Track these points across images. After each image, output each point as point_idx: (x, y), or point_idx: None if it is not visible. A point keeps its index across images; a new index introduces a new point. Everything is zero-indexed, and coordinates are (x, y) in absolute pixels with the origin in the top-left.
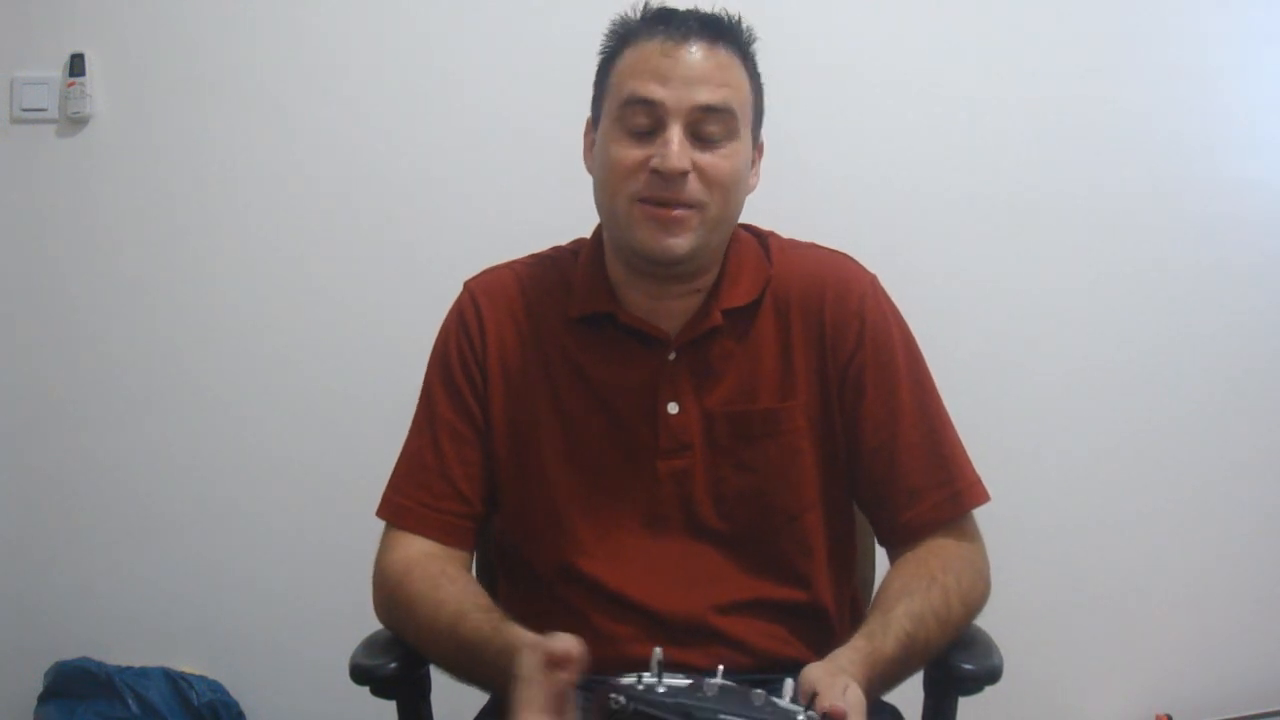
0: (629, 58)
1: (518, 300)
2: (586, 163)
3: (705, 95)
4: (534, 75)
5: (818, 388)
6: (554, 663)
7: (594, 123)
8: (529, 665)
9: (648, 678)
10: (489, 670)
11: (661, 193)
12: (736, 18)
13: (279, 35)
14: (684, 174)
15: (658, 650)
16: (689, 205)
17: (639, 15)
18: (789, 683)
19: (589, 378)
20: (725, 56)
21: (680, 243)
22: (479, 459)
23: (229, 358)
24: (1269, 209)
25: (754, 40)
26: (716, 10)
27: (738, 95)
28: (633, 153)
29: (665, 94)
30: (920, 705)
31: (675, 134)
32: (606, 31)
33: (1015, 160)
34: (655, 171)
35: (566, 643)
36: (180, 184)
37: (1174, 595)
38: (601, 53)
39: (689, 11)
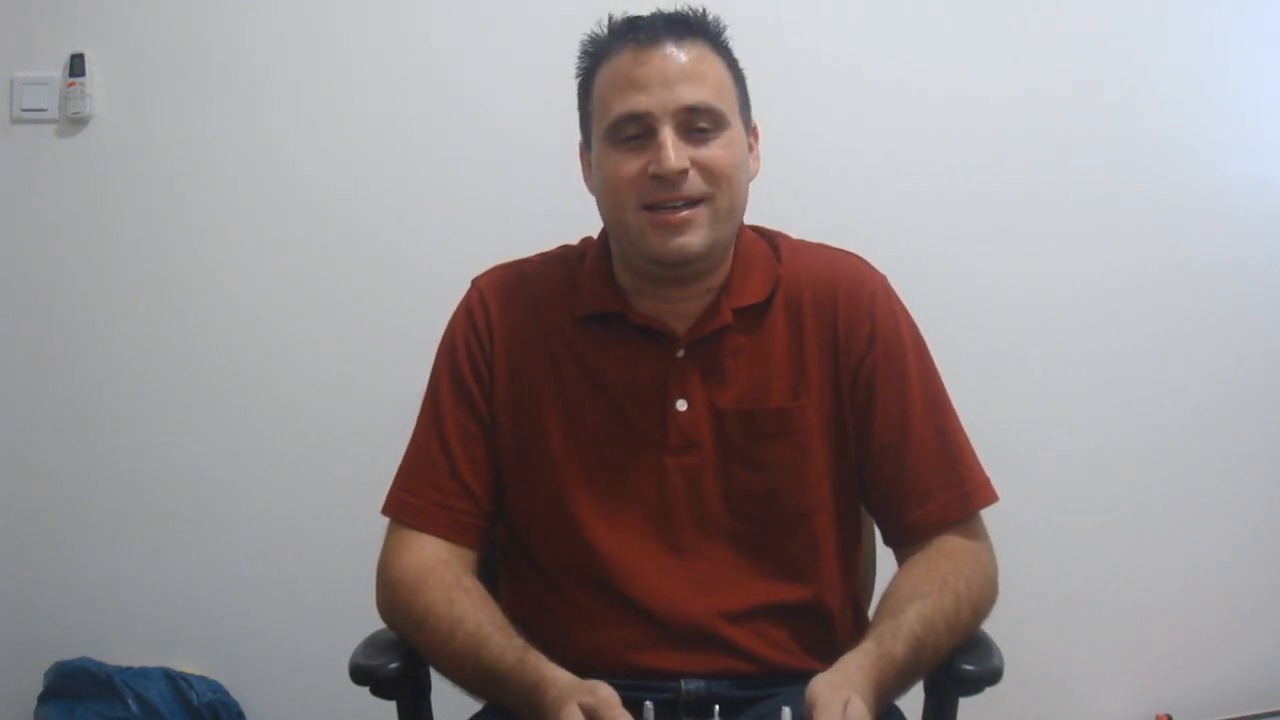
0: (605, 74)
1: (525, 298)
2: (587, 184)
3: (687, 94)
4: (536, 74)
5: (830, 387)
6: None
7: (584, 141)
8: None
9: None
10: (514, 701)
11: (665, 194)
12: (701, 10)
13: (279, 35)
14: (683, 172)
15: (649, 705)
16: (695, 202)
17: (606, 30)
18: (786, 712)
19: (597, 375)
20: (698, 50)
21: (692, 240)
22: (486, 456)
23: (229, 358)
24: (1269, 209)
25: (723, 29)
26: (679, 7)
27: (718, 87)
28: (630, 164)
29: (649, 101)
30: (921, 705)
31: (667, 136)
32: (579, 54)
33: (1017, 160)
34: (655, 176)
35: (606, 696)
36: (180, 184)
37: (1174, 595)
38: (578, 75)
39: (653, 15)
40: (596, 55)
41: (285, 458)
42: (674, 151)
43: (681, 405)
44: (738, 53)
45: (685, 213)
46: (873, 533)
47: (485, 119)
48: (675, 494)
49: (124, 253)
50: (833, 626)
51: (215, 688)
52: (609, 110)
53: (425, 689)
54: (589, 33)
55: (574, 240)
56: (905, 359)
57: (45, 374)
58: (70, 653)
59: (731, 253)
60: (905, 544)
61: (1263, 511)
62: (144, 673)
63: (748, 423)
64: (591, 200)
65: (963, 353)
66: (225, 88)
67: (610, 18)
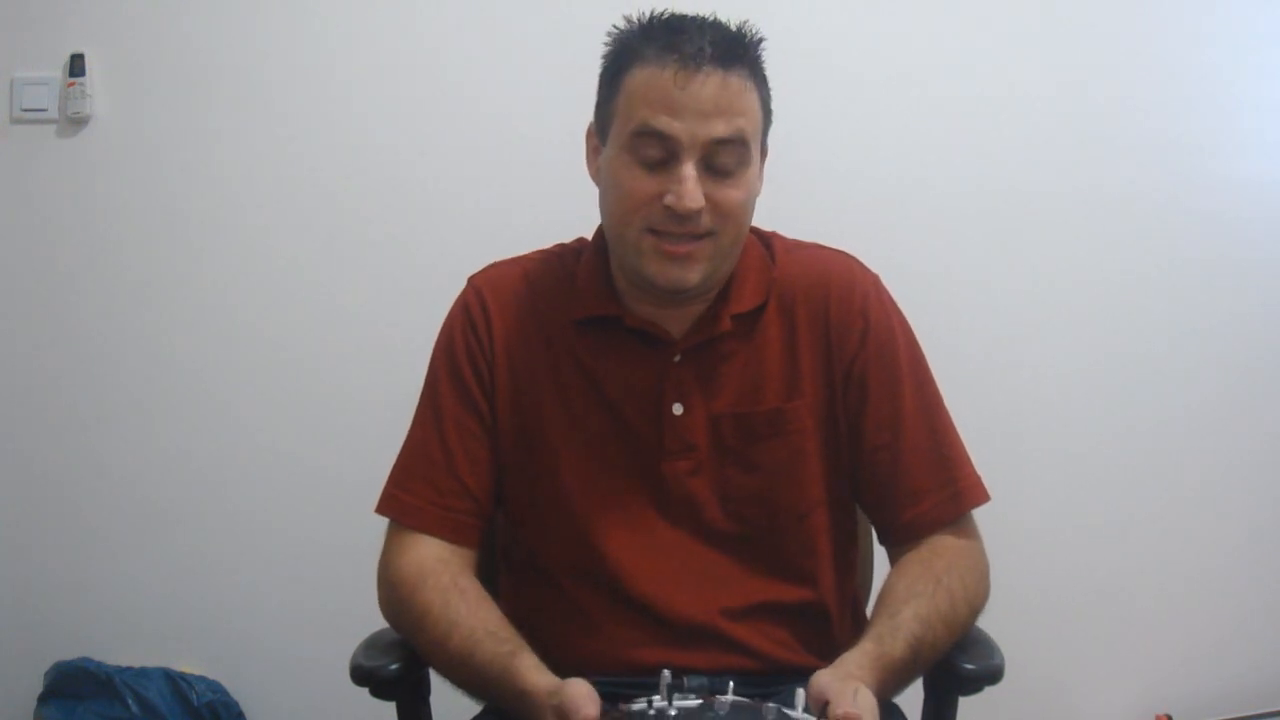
0: (639, 80)
1: (523, 296)
2: (590, 170)
3: (720, 128)
4: (533, 73)
5: (823, 387)
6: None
7: (597, 130)
8: None
9: (658, 701)
10: (510, 708)
11: (674, 227)
12: (748, 32)
13: (279, 35)
14: (699, 211)
15: (666, 673)
16: (701, 236)
17: (645, 25)
18: (800, 692)
19: (595, 377)
20: (739, 82)
21: (691, 275)
22: (486, 455)
23: (229, 357)
24: (1269, 209)
25: (762, 43)
26: (728, 27)
27: (751, 122)
28: (645, 184)
29: (679, 128)
30: (920, 705)
31: (690, 171)
32: (611, 38)
33: (1014, 159)
34: (669, 208)
35: (584, 697)
36: (180, 184)
37: (1174, 595)
38: (605, 59)
39: (701, 28)
40: (631, 50)
41: (285, 457)
42: (694, 189)
43: (678, 409)
44: None
45: (689, 247)
46: (869, 531)
47: (484, 118)
48: (673, 497)
49: (124, 252)
50: (831, 625)
51: (215, 688)
52: (634, 119)
53: (425, 690)
54: (624, 18)
55: (567, 239)
56: (898, 358)
57: (45, 374)
58: (70, 653)
59: (729, 275)
60: (899, 544)
61: (1262, 512)
62: (144, 673)
63: (742, 425)
64: (589, 201)
65: (958, 352)
66: (225, 88)
67: (652, 13)
